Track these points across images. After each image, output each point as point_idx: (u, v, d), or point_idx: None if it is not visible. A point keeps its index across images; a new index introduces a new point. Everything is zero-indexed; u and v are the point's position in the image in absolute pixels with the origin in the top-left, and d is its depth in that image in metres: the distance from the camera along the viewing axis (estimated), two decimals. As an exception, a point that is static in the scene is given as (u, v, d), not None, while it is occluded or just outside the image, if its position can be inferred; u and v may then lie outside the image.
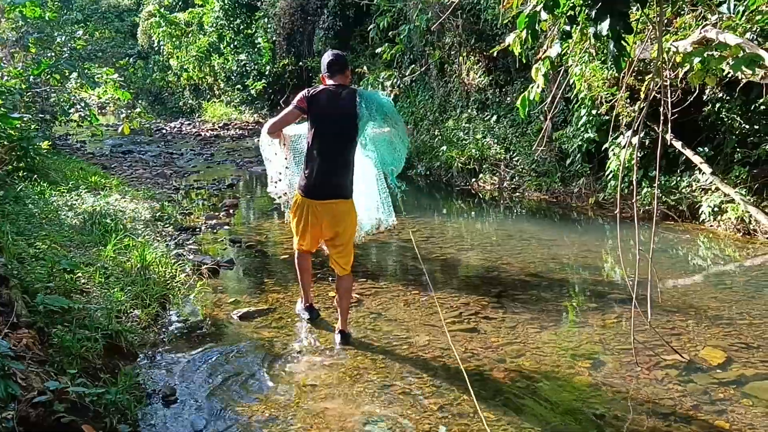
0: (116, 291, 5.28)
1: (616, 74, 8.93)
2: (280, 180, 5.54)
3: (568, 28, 4.10)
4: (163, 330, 5.30)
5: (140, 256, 5.96)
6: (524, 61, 7.14)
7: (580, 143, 10.28)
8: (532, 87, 4.47)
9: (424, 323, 5.53)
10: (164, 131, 24.36)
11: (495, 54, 13.11)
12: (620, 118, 9.18)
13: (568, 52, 8.20)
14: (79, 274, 5.30)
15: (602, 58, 6.99)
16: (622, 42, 3.84)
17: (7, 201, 6.51)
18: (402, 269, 7.29)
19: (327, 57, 5.07)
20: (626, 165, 9.09)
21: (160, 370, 4.61)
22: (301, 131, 5.23)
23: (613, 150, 9.51)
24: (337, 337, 5.14)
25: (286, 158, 5.41)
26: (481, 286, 6.52)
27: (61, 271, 4.89)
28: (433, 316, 5.66)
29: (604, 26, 3.75)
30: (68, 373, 3.74)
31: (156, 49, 30.60)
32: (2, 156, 7.02)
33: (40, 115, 10.53)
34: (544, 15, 3.96)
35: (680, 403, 4.18)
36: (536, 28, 4.06)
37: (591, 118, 10.01)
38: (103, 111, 30.05)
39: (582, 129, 10.19)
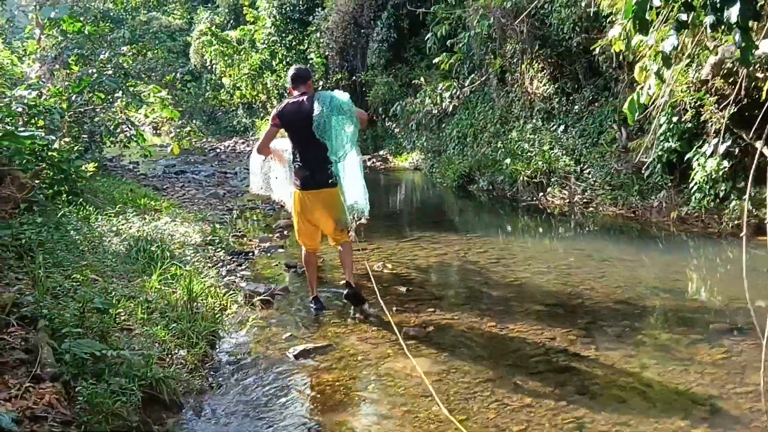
0: (159, 328, 4.74)
1: (716, 73, 8.10)
2: (262, 189, 7.02)
3: (684, 17, 3.40)
4: (211, 373, 4.71)
5: (186, 287, 5.40)
6: (626, 60, 6.42)
7: (660, 153, 9.45)
8: (641, 89, 3.77)
9: (504, 362, 4.84)
10: (218, 150, 24.18)
11: (561, 60, 12.34)
12: (708, 124, 8.35)
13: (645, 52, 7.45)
14: (120, 310, 4.78)
15: (691, 56, 6.20)
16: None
17: (45, 227, 6.00)
18: (474, 297, 6.55)
19: (291, 72, 6.09)
20: (713, 176, 8.35)
21: (207, 423, 4.03)
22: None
23: (697, 160, 8.70)
24: (347, 290, 6.09)
25: (283, 167, 6.35)
26: (566, 317, 5.77)
27: (95, 311, 4.33)
28: (515, 353, 4.99)
29: (733, 12, 3.07)
30: (95, 438, 3.17)
31: (209, 67, 30.53)
32: (26, 180, 6.49)
33: (84, 136, 10.08)
34: (657, 1, 3.28)
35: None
36: (645, 17, 3.37)
37: (672, 125, 9.21)
38: (158, 132, 30.17)
39: (662, 138, 9.37)
